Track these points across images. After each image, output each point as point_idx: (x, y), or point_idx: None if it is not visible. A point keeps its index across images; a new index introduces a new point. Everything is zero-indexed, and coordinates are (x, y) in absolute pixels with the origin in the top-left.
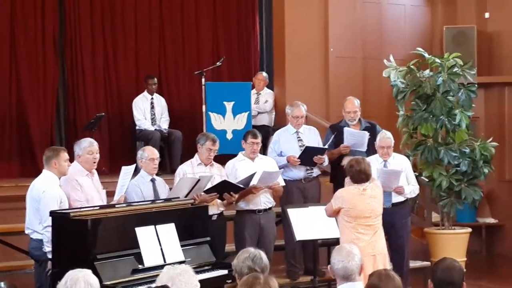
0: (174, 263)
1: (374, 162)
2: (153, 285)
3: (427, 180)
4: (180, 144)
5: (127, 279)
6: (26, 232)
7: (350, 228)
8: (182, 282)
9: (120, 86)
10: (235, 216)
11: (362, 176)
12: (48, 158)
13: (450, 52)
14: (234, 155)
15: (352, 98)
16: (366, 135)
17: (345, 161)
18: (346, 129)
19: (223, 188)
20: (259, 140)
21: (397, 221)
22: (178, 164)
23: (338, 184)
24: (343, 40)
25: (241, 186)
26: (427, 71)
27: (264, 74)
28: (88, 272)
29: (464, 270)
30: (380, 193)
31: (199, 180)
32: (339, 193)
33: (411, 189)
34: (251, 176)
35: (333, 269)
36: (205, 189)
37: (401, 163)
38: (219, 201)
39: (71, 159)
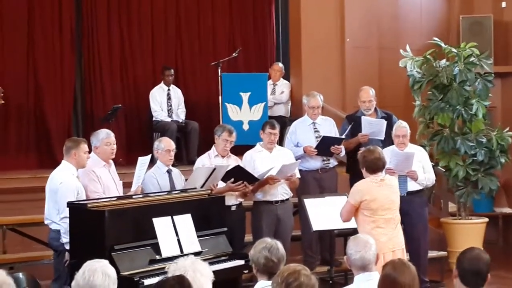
0: (191, 254)
1: (391, 152)
2: (169, 274)
3: (443, 170)
4: (196, 135)
5: (144, 269)
6: (46, 222)
7: (370, 222)
8: (196, 272)
9: (137, 78)
10: (253, 207)
11: (379, 164)
12: (68, 149)
13: (466, 42)
14: (251, 146)
15: (367, 87)
16: (384, 123)
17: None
18: (364, 117)
19: (238, 175)
20: (277, 131)
21: (412, 210)
22: (195, 155)
23: (354, 174)
24: (360, 30)
25: (255, 176)
26: (443, 61)
27: (280, 64)
28: (105, 263)
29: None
30: (396, 183)
31: (214, 169)
32: (356, 187)
33: (426, 176)
34: (268, 171)
35: (350, 260)
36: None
37: (417, 154)
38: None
39: (89, 151)
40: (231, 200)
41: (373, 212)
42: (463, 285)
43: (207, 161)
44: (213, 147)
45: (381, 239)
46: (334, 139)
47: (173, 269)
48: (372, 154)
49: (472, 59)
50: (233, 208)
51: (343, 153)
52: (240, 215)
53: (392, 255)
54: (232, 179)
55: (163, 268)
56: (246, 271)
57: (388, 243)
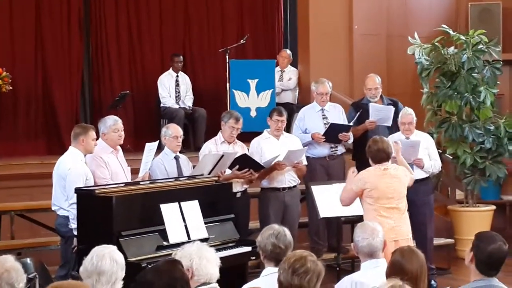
0: (198, 240)
1: (396, 140)
2: (177, 256)
3: (451, 157)
4: (204, 122)
5: (151, 255)
6: (53, 208)
7: (373, 210)
8: (202, 258)
9: (145, 64)
10: (260, 194)
11: (382, 155)
12: (76, 135)
13: (475, 29)
14: (258, 133)
15: (373, 75)
16: (392, 109)
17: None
18: (371, 104)
19: (244, 163)
20: (284, 118)
21: (418, 198)
22: (202, 141)
23: (360, 161)
24: (368, 18)
25: (261, 164)
26: (451, 48)
27: (288, 51)
28: (113, 249)
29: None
30: (403, 174)
31: (222, 156)
32: (359, 175)
33: (432, 163)
34: (274, 158)
35: (357, 247)
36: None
37: (423, 141)
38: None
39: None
40: (237, 187)
41: (375, 201)
42: (478, 271)
43: (213, 147)
44: (220, 133)
45: (383, 228)
46: (342, 126)
47: (179, 256)
48: (376, 145)
49: (480, 46)
50: (238, 195)
51: (351, 140)
52: (245, 202)
53: (394, 245)
54: (237, 166)
55: (170, 254)
56: (253, 258)
57: (390, 233)
